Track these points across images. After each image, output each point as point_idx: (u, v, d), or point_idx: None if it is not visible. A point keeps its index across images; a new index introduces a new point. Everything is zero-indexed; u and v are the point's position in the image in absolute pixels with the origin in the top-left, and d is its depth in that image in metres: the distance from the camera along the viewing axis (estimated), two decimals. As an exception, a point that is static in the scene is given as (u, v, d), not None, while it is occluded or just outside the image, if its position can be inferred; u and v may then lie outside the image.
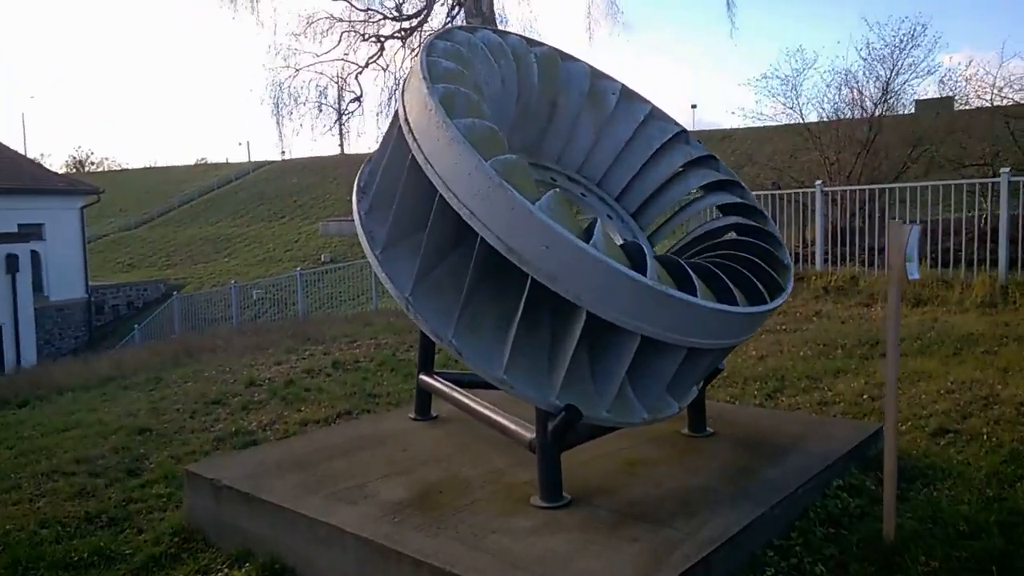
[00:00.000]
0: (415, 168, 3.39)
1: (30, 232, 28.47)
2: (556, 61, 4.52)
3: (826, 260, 11.52)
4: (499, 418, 3.91)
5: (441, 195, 3.24)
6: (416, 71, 3.49)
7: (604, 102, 4.65)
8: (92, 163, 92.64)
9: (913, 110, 20.55)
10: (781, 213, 12.16)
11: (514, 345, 3.35)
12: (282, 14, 44.13)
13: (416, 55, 3.74)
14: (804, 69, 19.25)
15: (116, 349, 20.74)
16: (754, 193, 12.57)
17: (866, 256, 11.15)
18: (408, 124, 3.43)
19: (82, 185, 33.86)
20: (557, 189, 3.24)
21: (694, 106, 59.96)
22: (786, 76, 17.99)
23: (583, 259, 2.99)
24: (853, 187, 12.03)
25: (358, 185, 3.96)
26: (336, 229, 38.79)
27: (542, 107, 4.48)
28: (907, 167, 15.02)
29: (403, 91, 3.59)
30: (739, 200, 4.50)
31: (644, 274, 3.10)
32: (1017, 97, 16.77)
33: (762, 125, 21.63)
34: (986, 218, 11.77)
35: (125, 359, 11.85)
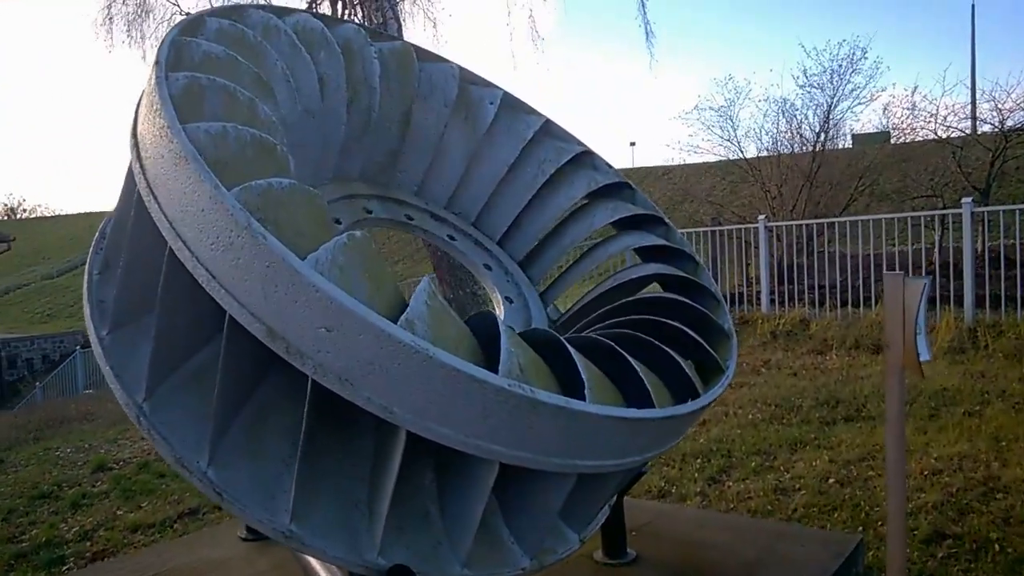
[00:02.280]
0: (141, 204, 2.14)
1: (-74, 283, 26.40)
2: (410, 59, 3.34)
3: (772, 301, 10.55)
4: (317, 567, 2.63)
5: (170, 246, 2.00)
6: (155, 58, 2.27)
7: (479, 114, 3.48)
8: (24, 210, 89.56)
9: (850, 143, 20.10)
10: (722, 251, 11.21)
11: (306, 478, 2.11)
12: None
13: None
14: (738, 99, 18.62)
15: (16, 408, 18.91)
16: (693, 230, 11.67)
17: (816, 295, 10.23)
18: (135, 138, 2.19)
19: (-13, 233, 31.64)
20: (356, 232, 2.04)
21: (632, 144, 59.81)
22: (720, 107, 17.28)
23: (388, 348, 1.77)
24: (799, 222, 11.16)
25: (99, 233, 2.69)
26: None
27: (390, 120, 3.28)
28: (853, 199, 14.30)
29: (141, 93, 2.34)
30: (662, 242, 3.35)
31: (496, 368, 1.89)
32: (962, 127, 16.30)
33: (700, 160, 20.96)
34: (935, 252, 11.01)
35: (-24, 435, 10.22)
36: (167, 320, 2.14)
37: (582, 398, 2.01)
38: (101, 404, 11.12)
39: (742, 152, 16.28)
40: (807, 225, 10.77)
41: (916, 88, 28.90)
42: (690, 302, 2.92)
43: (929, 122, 16.87)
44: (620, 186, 3.59)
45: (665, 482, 4.98)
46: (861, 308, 9.75)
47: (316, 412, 2.06)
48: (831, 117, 15.42)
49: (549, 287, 3.51)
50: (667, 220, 3.53)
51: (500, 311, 3.20)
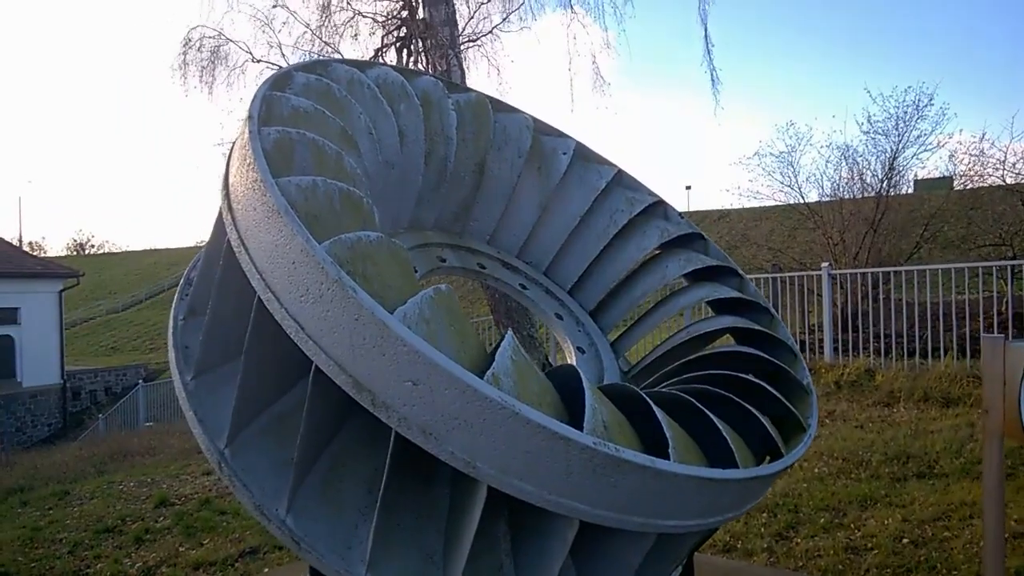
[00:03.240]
0: (231, 253, 2.20)
1: (2, 317, 27.51)
2: (485, 110, 3.40)
3: (836, 350, 10.29)
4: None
5: (259, 296, 2.05)
6: (246, 111, 2.35)
7: (552, 165, 3.51)
8: (92, 246, 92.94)
9: (912, 189, 19.66)
10: (781, 297, 11.00)
11: (383, 528, 2.11)
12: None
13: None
14: (800, 144, 18.42)
15: (80, 439, 19.46)
16: (753, 277, 11.52)
17: (881, 345, 9.93)
18: (227, 188, 2.26)
19: (60, 268, 32.89)
20: (442, 286, 2.05)
21: (688, 187, 59.63)
22: (781, 152, 17.10)
23: (474, 403, 1.77)
24: (863, 270, 10.91)
25: (184, 279, 2.77)
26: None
27: (465, 170, 3.33)
28: (919, 247, 13.94)
29: (233, 145, 2.42)
30: (736, 294, 3.30)
31: (580, 426, 1.87)
32: (1030, 173, 15.85)
33: (759, 205, 20.75)
34: (1006, 301, 10.63)
35: (44, 464, 10.51)
36: (253, 368, 2.19)
37: (666, 457, 1.98)
38: (162, 438, 11.35)
39: (803, 197, 16.06)
40: (873, 273, 10.52)
41: (984, 135, 28.09)
42: (767, 356, 2.87)
43: (997, 169, 16.45)
44: (692, 237, 3.57)
45: (730, 536, 4.84)
46: (929, 359, 9.44)
47: (395, 462, 2.07)
48: (896, 164, 15.13)
49: (619, 337, 3.49)
50: (741, 272, 3.48)
51: (573, 361, 3.19)
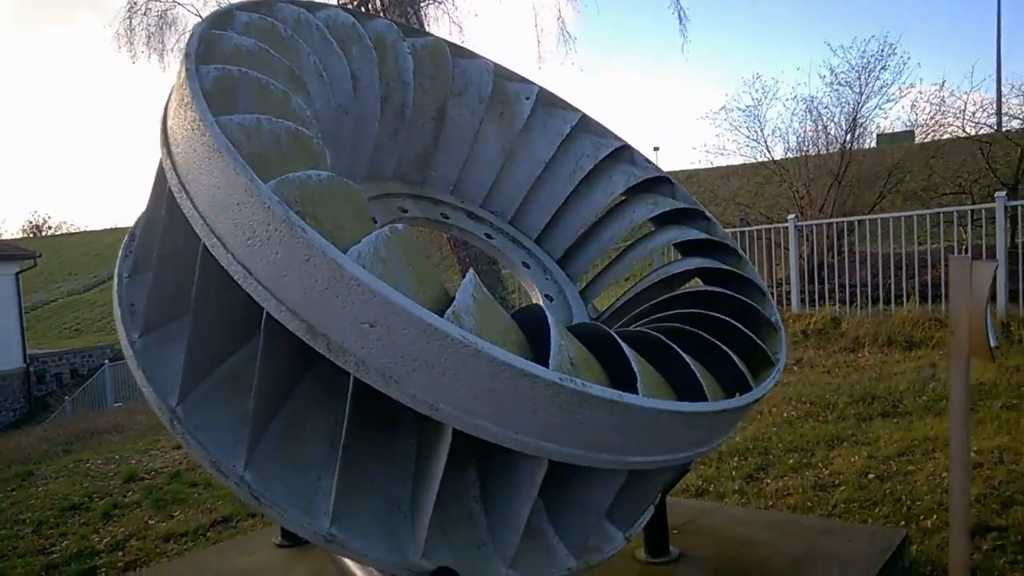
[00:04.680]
0: (172, 201, 2.10)
1: (-49, 300, 26.80)
2: (444, 54, 3.29)
3: (803, 301, 10.40)
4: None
5: (204, 244, 1.95)
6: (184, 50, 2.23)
7: (515, 110, 3.42)
8: (49, 227, 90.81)
9: (875, 143, 19.79)
10: (750, 251, 11.06)
11: (347, 480, 2.05)
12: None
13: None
14: (765, 98, 18.37)
15: (46, 423, 19.12)
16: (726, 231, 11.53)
17: (846, 294, 10.06)
18: (165, 133, 2.15)
19: (15, 250, 31.96)
20: (399, 225, 1.97)
21: (656, 148, 59.17)
22: (747, 107, 17.09)
23: (434, 343, 1.70)
24: (828, 220, 10.99)
25: (128, 236, 2.64)
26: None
27: (424, 116, 3.23)
28: (882, 196, 14.08)
29: (171, 89, 2.30)
30: (704, 236, 3.26)
31: (546, 362, 1.82)
32: (990, 122, 16.02)
33: (726, 163, 20.76)
34: (965, 248, 10.78)
35: (6, 447, 10.31)
36: (201, 321, 2.10)
37: (635, 392, 1.93)
38: (131, 416, 11.18)
39: (769, 152, 16.11)
40: (836, 224, 10.60)
41: (944, 83, 28.36)
42: (736, 294, 2.84)
43: (957, 118, 16.61)
44: (660, 181, 3.51)
45: (702, 480, 4.88)
46: (892, 305, 9.57)
47: (356, 412, 2.01)
48: (859, 115, 15.19)
49: (589, 284, 3.44)
50: (709, 214, 3.45)
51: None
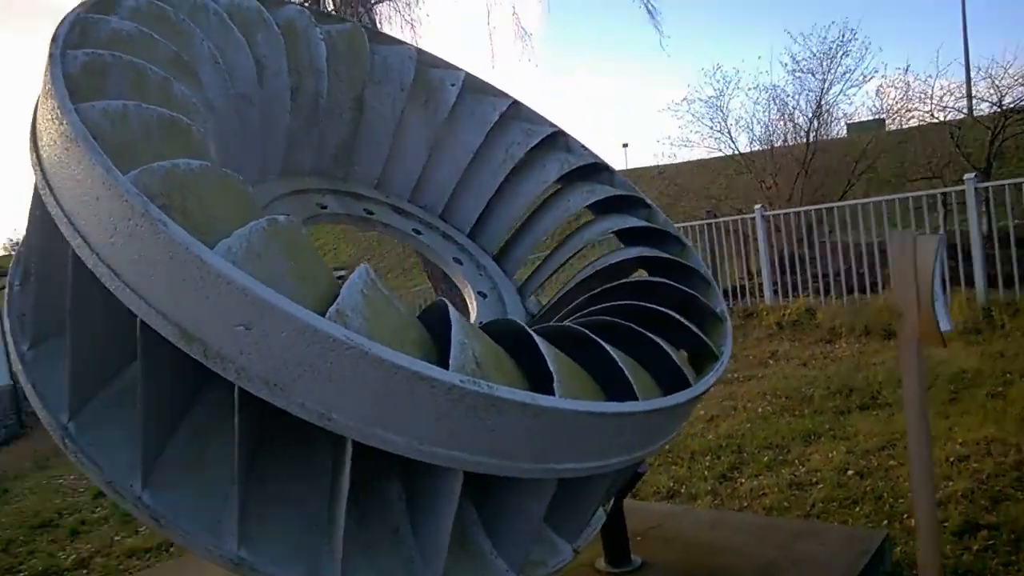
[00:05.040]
0: (39, 198, 1.88)
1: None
2: (360, 40, 3.08)
3: (776, 292, 10.25)
4: None
5: (71, 244, 1.73)
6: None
7: (440, 98, 3.21)
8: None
9: (845, 133, 19.75)
10: (719, 244, 10.92)
11: (259, 498, 1.84)
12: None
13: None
14: (727, 88, 18.24)
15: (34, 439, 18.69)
16: (688, 224, 11.39)
17: (820, 284, 9.92)
18: (33, 127, 1.93)
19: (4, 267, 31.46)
20: (281, 217, 1.76)
21: (625, 145, 58.91)
22: (709, 97, 16.97)
23: (316, 345, 1.49)
24: (796, 209, 10.85)
25: (20, 241, 2.41)
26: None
27: (341, 107, 3.01)
28: (851, 184, 13.99)
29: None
30: (643, 224, 3.07)
31: (446, 364, 1.61)
32: (959, 106, 16.02)
33: (695, 157, 20.67)
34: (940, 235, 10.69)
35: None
36: (80, 331, 1.88)
37: (551, 393, 1.73)
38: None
39: (733, 143, 15.99)
40: (805, 213, 10.46)
41: (908, 67, 28.49)
42: (676, 284, 2.65)
43: (925, 103, 16.60)
44: (596, 167, 3.32)
45: (674, 482, 4.69)
46: (868, 294, 9.43)
47: (261, 422, 1.80)
48: (823, 102, 15.11)
49: (528, 280, 3.24)
50: (649, 201, 3.26)
51: (473, 307, 2.93)
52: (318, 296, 1.65)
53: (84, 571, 5.02)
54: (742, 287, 10.74)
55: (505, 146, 3.24)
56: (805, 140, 14.30)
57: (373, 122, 3.10)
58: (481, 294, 2.98)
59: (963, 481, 3.97)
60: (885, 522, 3.70)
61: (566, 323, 2.19)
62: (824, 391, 6.16)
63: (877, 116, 19.53)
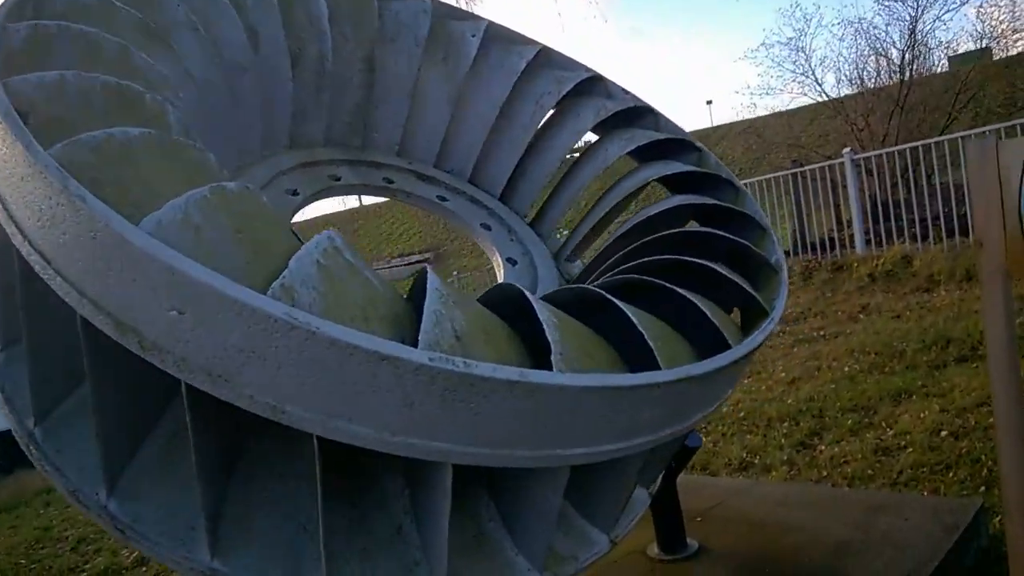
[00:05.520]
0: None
1: None
2: (366, -5, 2.86)
3: (868, 241, 9.58)
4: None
5: (6, 232, 1.60)
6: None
7: (460, 51, 2.97)
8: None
9: (947, 67, 18.30)
10: (807, 195, 10.28)
11: (229, 497, 1.69)
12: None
13: None
14: (809, 26, 17.04)
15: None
16: (772, 175, 10.76)
17: (917, 230, 9.19)
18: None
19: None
20: (231, 184, 1.57)
21: (709, 102, 57.36)
22: (789, 39, 16.00)
23: (257, 327, 1.30)
24: (888, 149, 10.08)
25: None
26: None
27: (351, 69, 2.81)
28: (952, 119, 12.93)
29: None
30: (689, 169, 2.76)
31: (415, 340, 1.40)
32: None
33: (782, 108, 19.60)
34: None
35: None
36: (37, 330, 1.75)
37: (549, 366, 1.49)
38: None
39: (819, 85, 15.07)
40: (900, 153, 9.68)
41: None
42: (724, 234, 2.34)
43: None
44: (638, 111, 3.02)
45: (747, 452, 4.36)
46: (971, 236, 8.67)
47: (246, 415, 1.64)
48: (917, 31, 13.95)
49: (566, 242, 2.98)
50: (699, 144, 2.94)
51: (500, 276, 2.71)
52: (271, 272, 1.45)
53: (143, 568, 5.08)
54: (832, 239, 10.09)
55: (535, 97, 2.97)
56: (899, 75, 13.26)
57: (388, 84, 2.89)
58: (511, 260, 2.74)
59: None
60: (983, 488, 3.29)
61: (584, 285, 1.94)
62: (918, 345, 5.65)
63: (982, 45, 18.02)
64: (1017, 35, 15.66)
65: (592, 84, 3.04)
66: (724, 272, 2.08)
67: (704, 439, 4.85)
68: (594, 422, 1.57)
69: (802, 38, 15.67)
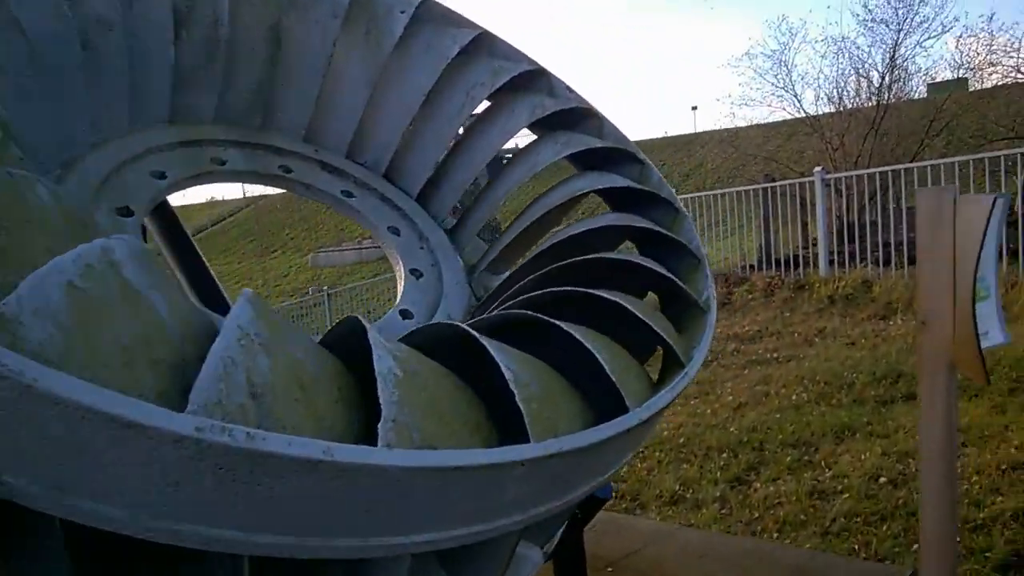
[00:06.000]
0: None
1: None
2: (276, -43, 2.50)
3: (831, 262, 9.41)
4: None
5: None
6: None
7: (385, 28, 2.62)
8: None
9: (925, 94, 18.24)
10: (776, 211, 10.08)
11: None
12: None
13: None
14: (792, 41, 16.96)
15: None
16: (743, 188, 10.56)
17: (879, 254, 9.04)
18: None
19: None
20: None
21: (694, 108, 57.22)
22: (773, 51, 15.82)
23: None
24: (859, 171, 9.91)
25: None
26: (326, 260, 36.72)
27: (252, 38, 2.46)
28: (924, 145, 12.83)
29: None
30: (626, 184, 2.45)
31: (183, 403, 1.07)
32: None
33: (763, 120, 19.47)
34: (1021, 198, 9.62)
35: None
36: None
37: (371, 442, 1.17)
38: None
39: (798, 100, 14.90)
40: (870, 176, 9.50)
41: (993, 15, 26.36)
42: (650, 264, 2.04)
43: (1010, 56, 15.12)
44: (579, 113, 2.70)
45: (680, 484, 4.11)
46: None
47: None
48: (898, 55, 13.83)
49: (486, 253, 2.66)
50: (642, 156, 2.63)
51: (400, 289, 2.38)
52: None
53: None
54: (797, 256, 9.91)
55: (466, 88, 2.64)
56: (876, 97, 13.12)
57: (297, 58, 2.55)
58: (415, 272, 2.41)
59: (1015, 498, 3.28)
60: (915, 546, 3.06)
61: (453, 322, 1.62)
62: (868, 377, 5.44)
63: (959, 75, 17.99)
64: (992, 68, 15.60)
65: (533, 79, 2.71)
66: (636, 312, 1.77)
67: (639, 465, 4.58)
68: (437, 506, 1.26)
69: (786, 52, 15.45)
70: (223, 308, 3.03)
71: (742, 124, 22.92)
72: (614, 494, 4.33)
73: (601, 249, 2.29)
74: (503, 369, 1.40)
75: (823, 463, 4.11)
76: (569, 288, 1.82)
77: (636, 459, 4.70)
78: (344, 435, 1.27)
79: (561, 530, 2.22)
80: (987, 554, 2.91)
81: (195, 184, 2.32)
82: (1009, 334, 1.63)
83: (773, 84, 15.12)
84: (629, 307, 1.77)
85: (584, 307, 1.80)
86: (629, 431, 1.50)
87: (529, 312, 1.67)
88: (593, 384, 1.60)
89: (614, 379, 1.56)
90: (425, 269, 2.44)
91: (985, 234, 1.12)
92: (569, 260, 2.06)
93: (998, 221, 1.33)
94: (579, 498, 1.65)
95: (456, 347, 1.51)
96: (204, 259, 2.87)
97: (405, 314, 2.25)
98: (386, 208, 2.59)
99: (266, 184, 2.55)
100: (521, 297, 1.90)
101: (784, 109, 15.60)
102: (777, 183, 10.39)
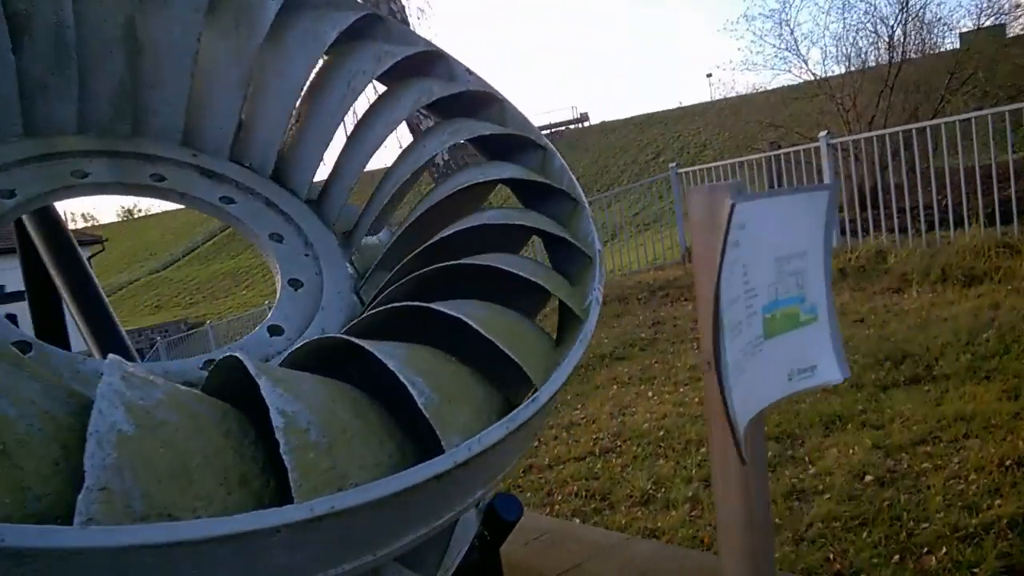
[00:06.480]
0: None
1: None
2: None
3: (843, 231, 9.00)
4: None
5: None
6: None
7: (253, 18, 2.41)
8: (139, 210, 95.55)
9: (957, 44, 17.43)
10: (781, 180, 9.68)
11: None
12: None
13: None
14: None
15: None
16: (747, 158, 10.16)
17: (897, 221, 8.60)
18: None
19: (84, 236, 33.29)
20: None
21: (709, 75, 56.09)
22: (772, 10, 15.30)
23: None
24: (870, 134, 9.44)
25: None
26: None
27: (105, 38, 2.27)
28: (945, 100, 12.22)
29: None
30: (518, 175, 2.22)
31: None
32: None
33: (774, 85, 18.86)
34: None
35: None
36: None
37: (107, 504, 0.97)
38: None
39: (805, 62, 14.36)
40: (879, 138, 9.02)
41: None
42: (520, 272, 1.81)
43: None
44: (478, 99, 2.47)
45: (653, 483, 3.87)
46: (952, 231, 8.05)
47: None
48: (909, 5, 13.16)
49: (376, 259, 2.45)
50: (544, 143, 2.39)
51: (275, 300, 2.18)
52: None
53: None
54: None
55: (347, 77, 2.43)
56: (888, 53, 12.54)
57: (159, 57, 2.35)
58: (294, 283, 2.21)
59: (1015, 501, 2.98)
60: (897, 557, 2.79)
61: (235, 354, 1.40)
62: (870, 359, 5.12)
63: (980, 21, 17.16)
64: (1019, 9, 14.82)
65: (423, 63, 2.49)
66: (479, 328, 1.55)
67: (613, 461, 4.36)
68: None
69: (786, 10, 14.91)
70: (108, 319, 2.86)
71: (742, 91, 22.25)
72: (596, 493, 4.11)
73: (490, 248, 2.07)
74: (272, 413, 1.20)
75: (807, 458, 3.83)
76: (405, 304, 1.60)
77: (611, 455, 4.48)
78: (57, 507, 1.08)
79: (461, 555, 2.03)
80: (974, 570, 2.63)
81: (53, 200, 2.16)
82: (848, 368, 1.37)
83: (774, 46, 14.57)
84: (471, 323, 1.55)
85: (428, 322, 1.58)
86: (439, 477, 1.28)
87: (342, 336, 1.46)
88: (407, 425, 1.39)
89: (427, 415, 1.34)
90: (307, 279, 2.24)
91: (726, 242, 0.87)
92: (432, 267, 1.84)
93: (830, 218, 1.07)
94: (407, 547, 1.44)
95: (246, 381, 1.31)
96: (88, 267, 2.75)
97: (274, 330, 2.06)
98: (270, 213, 2.39)
99: (136, 195, 2.35)
100: (366, 313, 1.69)
101: (790, 71, 15.05)
102: (781, 151, 9.98)
